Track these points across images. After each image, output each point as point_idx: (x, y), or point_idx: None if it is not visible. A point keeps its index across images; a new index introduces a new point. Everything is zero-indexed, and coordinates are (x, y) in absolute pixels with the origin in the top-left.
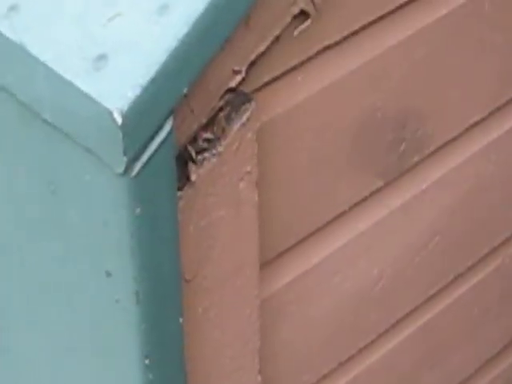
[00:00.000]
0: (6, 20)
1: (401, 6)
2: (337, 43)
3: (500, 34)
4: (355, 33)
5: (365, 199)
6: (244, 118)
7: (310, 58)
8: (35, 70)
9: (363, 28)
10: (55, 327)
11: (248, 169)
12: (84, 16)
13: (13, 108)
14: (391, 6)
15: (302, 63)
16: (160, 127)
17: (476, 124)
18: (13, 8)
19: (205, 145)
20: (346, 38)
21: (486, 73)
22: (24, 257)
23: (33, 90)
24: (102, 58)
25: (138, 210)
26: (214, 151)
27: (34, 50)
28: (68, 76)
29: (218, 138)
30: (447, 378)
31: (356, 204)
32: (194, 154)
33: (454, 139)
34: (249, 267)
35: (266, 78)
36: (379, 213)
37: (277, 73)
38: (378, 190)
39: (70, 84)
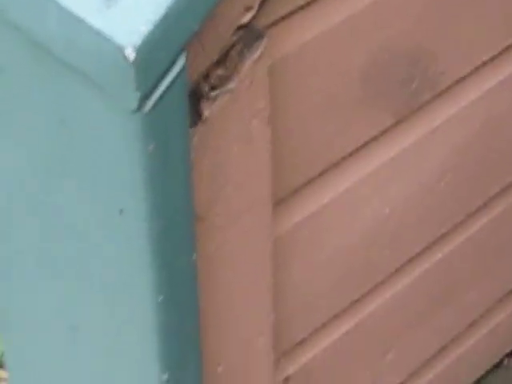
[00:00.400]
0: None
1: None
2: None
3: None
4: None
5: (377, 137)
6: (256, 55)
7: None
8: (47, 8)
9: None
10: (70, 267)
11: (261, 106)
12: None
13: (26, 47)
14: None
15: (315, 0)
16: (172, 63)
17: (488, 62)
18: None
19: (217, 82)
20: None
21: (498, 10)
22: (39, 196)
23: (45, 29)
24: None
25: (151, 147)
26: (226, 88)
27: None
28: (79, 13)
29: (231, 75)
30: (462, 314)
31: (368, 142)
32: (206, 90)
33: (466, 77)
34: (261, 205)
35: (279, 15)
36: (391, 151)
37: (289, 9)
38: (390, 128)
39: (81, 21)
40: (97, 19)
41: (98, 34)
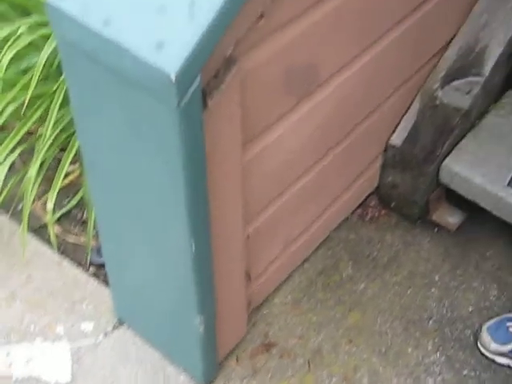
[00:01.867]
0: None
1: None
2: None
3: None
4: None
5: (289, 111)
6: (233, 71)
7: None
8: (124, 54)
9: None
10: (143, 183)
11: (236, 97)
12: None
13: (113, 76)
14: None
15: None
16: (193, 81)
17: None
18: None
19: (214, 86)
20: None
21: (352, 33)
22: (120, 154)
23: (123, 65)
24: (161, 44)
25: (184, 122)
26: (219, 90)
27: (124, 42)
28: (143, 55)
29: (221, 83)
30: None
31: (288, 111)
32: (209, 91)
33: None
34: (237, 147)
35: (244, 49)
36: (304, 107)
37: (249, 45)
38: (296, 106)
39: (143, 60)
40: (154, 58)
41: (155, 66)
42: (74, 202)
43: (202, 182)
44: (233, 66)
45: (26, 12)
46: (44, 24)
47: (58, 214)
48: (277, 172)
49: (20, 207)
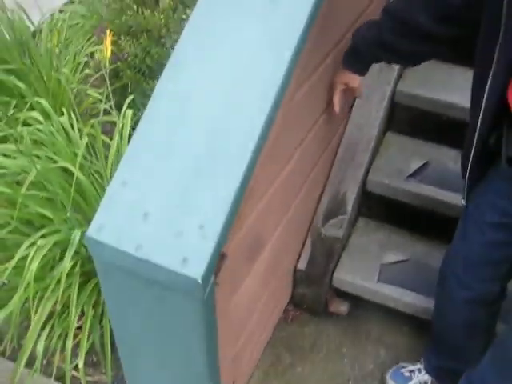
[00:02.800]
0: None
1: None
2: None
3: None
4: None
5: (249, 270)
6: (226, 262)
7: None
8: (156, 269)
9: None
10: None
11: (226, 278)
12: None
13: (139, 282)
14: None
15: None
16: (210, 278)
17: (279, 222)
18: (139, 247)
19: (218, 271)
20: None
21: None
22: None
23: (156, 276)
24: (186, 259)
25: (206, 309)
26: (219, 275)
27: (155, 261)
28: (173, 268)
29: (219, 270)
30: None
31: (245, 275)
32: (216, 275)
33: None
34: (228, 302)
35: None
36: (255, 265)
37: None
38: (251, 266)
39: (175, 272)
40: (182, 269)
41: (185, 275)
42: (85, 349)
43: (215, 333)
44: (226, 259)
45: (34, 226)
46: (55, 232)
47: (75, 363)
48: (244, 308)
49: (45, 362)
